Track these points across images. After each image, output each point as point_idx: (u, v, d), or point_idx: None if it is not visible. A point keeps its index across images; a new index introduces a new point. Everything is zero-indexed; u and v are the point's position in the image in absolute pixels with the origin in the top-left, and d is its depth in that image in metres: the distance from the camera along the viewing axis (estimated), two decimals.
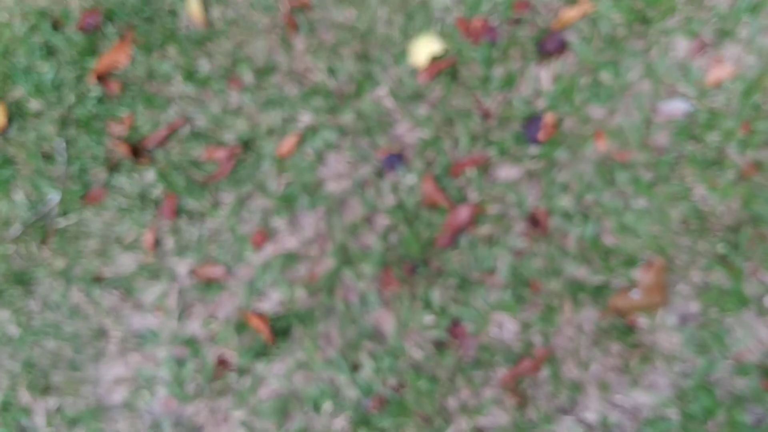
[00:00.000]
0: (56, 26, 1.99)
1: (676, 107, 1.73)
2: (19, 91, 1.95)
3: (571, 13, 1.80)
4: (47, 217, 1.86)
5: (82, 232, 1.84)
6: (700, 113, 1.72)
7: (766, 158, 1.68)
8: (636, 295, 1.63)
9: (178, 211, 1.82)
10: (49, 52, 1.96)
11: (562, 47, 1.80)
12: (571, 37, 1.80)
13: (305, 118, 1.84)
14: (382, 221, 1.76)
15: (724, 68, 1.74)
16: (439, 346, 1.68)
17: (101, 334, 1.78)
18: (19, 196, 1.87)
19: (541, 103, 1.77)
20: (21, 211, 1.86)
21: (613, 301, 1.64)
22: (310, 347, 1.71)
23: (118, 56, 1.93)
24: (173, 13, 1.96)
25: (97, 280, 1.81)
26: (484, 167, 1.75)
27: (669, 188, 1.69)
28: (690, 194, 1.68)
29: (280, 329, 1.73)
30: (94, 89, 1.91)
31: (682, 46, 1.77)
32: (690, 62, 1.75)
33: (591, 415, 1.62)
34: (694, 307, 1.63)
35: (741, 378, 1.60)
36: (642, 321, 1.64)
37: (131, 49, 1.94)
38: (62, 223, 1.85)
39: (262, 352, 1.72)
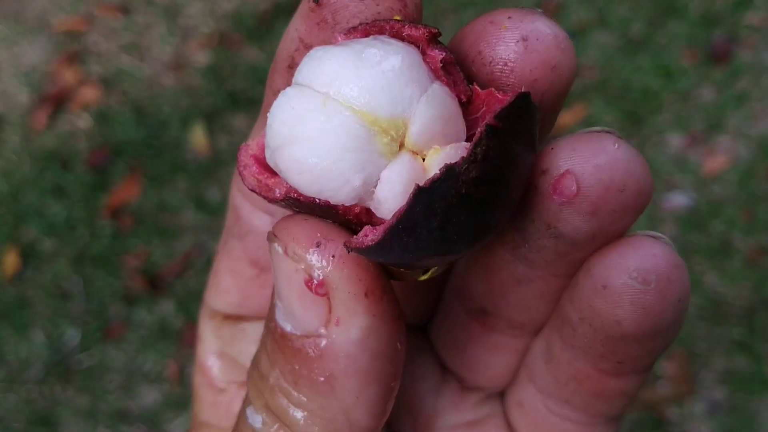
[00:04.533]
0: (65, 166, 2.03)
1: (677, 200, 1.80)
2: (31, 233, 1.98)
3: (566, 118, 1.89)
4: (68, 356, 1.86)
5: (105, 368, 1.84)
6: (702, 204, 1.79)
7: None
8: (663, 387, 1.66)
9: None
10: (60, 192, 2.01)
11: None
12: None
13: None
14: None
15: (717, 159, 1.82)
16: None
17: None
18: (38, 336, 1.88)
19: None
20: (41, 352, 1.86)
21: (642, 395, 1.67)
22: None
23: (128, 191, 1.98)
24: (179, 146, 2.02)
25: (123, 415, 1.80)
26: None
27: None
28: (701, 283, 1.73)
29: None
30: (107, 225, 1.95)
31: (675, 141, 1.85)
32: (685, 156, 1.84)
33: None
34: (720, 393, 1.66)
35: None
36: (672, 412, 1.66)
37: (141, 183, 1.99)
38: (84, 360, 1.85)
39: None
